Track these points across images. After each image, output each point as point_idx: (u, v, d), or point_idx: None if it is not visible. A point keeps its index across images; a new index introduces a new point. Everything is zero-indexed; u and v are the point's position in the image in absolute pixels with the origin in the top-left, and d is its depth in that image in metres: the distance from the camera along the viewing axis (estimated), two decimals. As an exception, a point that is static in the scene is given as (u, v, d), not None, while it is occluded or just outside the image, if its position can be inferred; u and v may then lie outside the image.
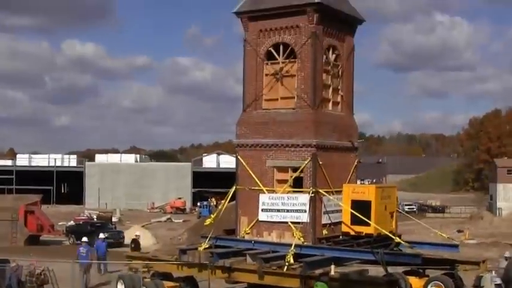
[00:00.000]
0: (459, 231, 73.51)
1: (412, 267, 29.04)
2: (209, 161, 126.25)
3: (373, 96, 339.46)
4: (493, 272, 29.04)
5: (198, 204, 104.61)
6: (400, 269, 29.18)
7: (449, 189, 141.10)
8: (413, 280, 29.04)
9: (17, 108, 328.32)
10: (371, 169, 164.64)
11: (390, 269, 28.60)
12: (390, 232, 27.66)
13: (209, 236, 28.65)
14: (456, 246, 29.80)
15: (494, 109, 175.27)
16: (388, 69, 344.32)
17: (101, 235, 40.60)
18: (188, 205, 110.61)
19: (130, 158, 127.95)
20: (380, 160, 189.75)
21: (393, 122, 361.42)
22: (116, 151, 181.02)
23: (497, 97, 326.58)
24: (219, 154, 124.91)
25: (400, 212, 34.91)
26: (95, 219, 75.27)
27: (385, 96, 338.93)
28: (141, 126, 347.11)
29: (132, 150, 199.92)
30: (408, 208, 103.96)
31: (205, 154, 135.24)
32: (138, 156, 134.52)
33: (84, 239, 37.53)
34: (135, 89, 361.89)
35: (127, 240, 57.71)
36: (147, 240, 58.69)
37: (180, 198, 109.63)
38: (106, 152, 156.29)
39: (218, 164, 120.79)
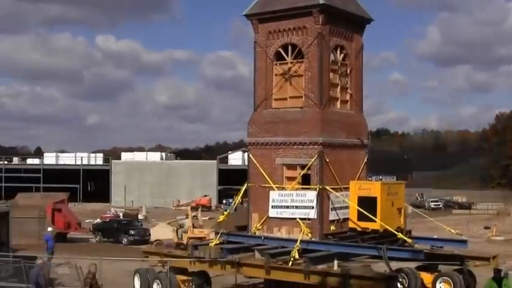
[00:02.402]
0: (486, 227, 73.46)
1: (423, 263, 29.76)
2: (235, 159, 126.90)
3: (414, 89, 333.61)
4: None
5: (224, 201, 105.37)
6: (413, 265, 29.96)
7: (475, 186, 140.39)
8: (425, 275, 29.77)
9: (48, 105, 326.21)
10: (396, 165, 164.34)
11: (403, 265, 29.45)
12: (398, 228, 28.30)
13: (220, 232, 29.64)
14: (465, 241, 30.33)
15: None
16: (433, 61, 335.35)
17: (49, 229, 39.97)
18: (214, 202, 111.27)
19: (155, 156, 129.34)
20: (405, 156, 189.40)
21: (429, 117, 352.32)
22: (141, 149, 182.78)
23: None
24: (244, 151, 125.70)
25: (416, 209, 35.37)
26: (121, 217, 75.90)
27: (426, 89, 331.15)
28: (173, 123, 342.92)
29: (158, 148, 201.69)
30: (434, 205, 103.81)
31: (231, 152, 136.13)
32: (163, 154, 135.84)
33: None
34: (173, 84, 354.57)
35: (153, 237, 58.78)
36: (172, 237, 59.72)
37: (205, 196, 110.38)
38: (132, 150, 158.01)
39: (244, 161, 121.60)
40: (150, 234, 60.29)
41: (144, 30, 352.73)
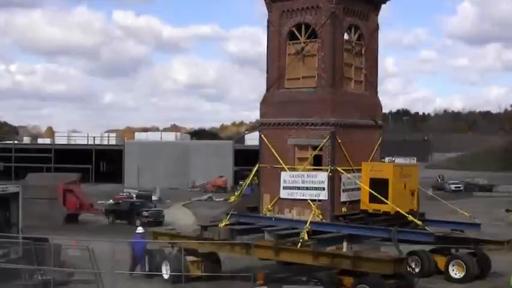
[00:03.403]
0: (507, 210, 73.17)
1: (437, 246, 30.26)
2: (251, 139, 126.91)
3: (443, 68, 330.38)
4: None
5: (240, 182, 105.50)
6: (428, 248, 30.46)
7: (497, 168, 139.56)
8: (438, 258, 30.33)
9: (63, 83, 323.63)
10: (416, 147, 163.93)
11: (418, 247, 29.96)
12: (410, 210, 28.78)
13: (230, 212, 30.23)
14: (478, 225, 30.74)
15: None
16: (465, 38, 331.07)
17: (139, 229, 34.46)
18: (230, 183, 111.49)
19: (170, 136, 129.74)
20: (425, 137, 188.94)
21: (455, 97, 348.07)
22: (155, 129, 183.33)
23: None
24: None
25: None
26: (135, 198, 75.99)
27: (456, 68, 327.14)
28: (192, 102, 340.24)
29: (173, 128, 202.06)
30: (455, 187, 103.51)
31: (247, 131, 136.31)
32: (178, 134, 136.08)
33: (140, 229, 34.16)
34: (193, 61, 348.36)
35: (167, 219, 59.20)
36: (187, 219, 60.14)
37: (221, 177, 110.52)
38: (146, 130, 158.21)
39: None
40: (164, 216, 60.55)
41: (165, 4, 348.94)
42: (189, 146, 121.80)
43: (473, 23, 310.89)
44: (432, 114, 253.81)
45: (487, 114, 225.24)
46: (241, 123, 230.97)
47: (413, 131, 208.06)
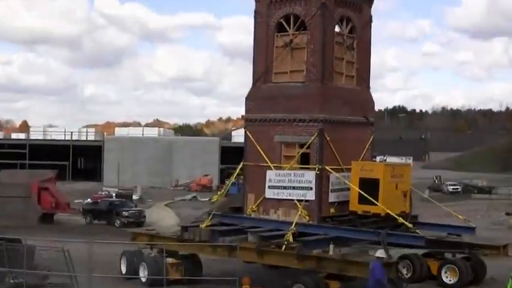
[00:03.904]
0: (507, 213, 73.59)
1: (430, 250, 30.48)
2: (239, 136, 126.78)
3: (447, 62, 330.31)
4: None
5: (226, 181, 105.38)
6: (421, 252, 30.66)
7: (497, 169, 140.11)
8: (431, 263, 30.54)
9: (41, 74, 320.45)
10: (413, 146, 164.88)
11: (411, 251, 30.16)
12: (402, 212, 28.95)
13: (212, 213, 30.36)
14: (472, 229, 30.97)
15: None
16: (470, 32, 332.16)
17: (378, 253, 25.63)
18: (215, 183, 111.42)
19: (153, 132, 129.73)
20: (423, 136, 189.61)
21: (456, 93, 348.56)
22: (137, 125, 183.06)
23: None
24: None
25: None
26: (114, 197, 75.83)
27: (459, 63, 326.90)
28: (178, 96, 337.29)
29: (156, 123, 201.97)
30: (453, 188, 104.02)
31: (234, 128, 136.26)
32: (161, 130, 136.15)
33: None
34: (181, 52, 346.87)
35: (149, 219, 59.27)
36: (170, 220, 60.12)
37: (206, 175, 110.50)
38: (127, 125, 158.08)
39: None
40: (145, 216, 60.59)
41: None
42: (172, 143, 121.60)
43: (480, 15, 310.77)
44: (430, 111, 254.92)
45: (487, 113, 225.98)
46: (229, 119, 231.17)
47: (411, 129, 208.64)
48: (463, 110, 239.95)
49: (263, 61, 31.06)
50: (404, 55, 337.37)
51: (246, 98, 31.61)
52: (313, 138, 28.73)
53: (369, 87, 32.39)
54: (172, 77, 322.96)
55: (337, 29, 31.04)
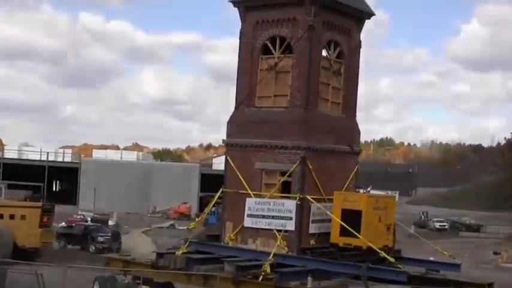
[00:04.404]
0: (495, 253, 73.91)
1: (413, 287, 30.20)
2: (220, 163, 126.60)
3: (441, 95, 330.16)
4: None
5: (205, 210, 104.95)
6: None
7: (486, 206, 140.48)
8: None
9: (19, 90, 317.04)
10: (400, 179, 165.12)
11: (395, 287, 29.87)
12: (385, 246, 28.73)
13: (188, 240, 30.05)
14: (458, 265, 30.76)
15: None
16: (468, 62, 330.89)
17: None
18: (194, 211, 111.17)
19: (131, 156, 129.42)
20: (410, 170, 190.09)
21: (449, 126, 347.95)
22: (115, 148, 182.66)
23: None
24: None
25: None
26: (89, 222, 75.60)
27: (455, 95, 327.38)
28: (161, 119, 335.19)
29: (135, 147, 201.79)
30: (439, 225, 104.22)
31: (216, 155, 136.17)
32: (140, 154, 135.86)
33: None
34: (167, 74, 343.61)
35: (124, 246, 58.76)
36: (146, 248, 59.69)
37: (185, 203, 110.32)
38: (105, 148, 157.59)
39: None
40: (121, 243, 60.20)
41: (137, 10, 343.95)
42: (151, 167, 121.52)
43: (479, 46, 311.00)
44: (418, 145, 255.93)
45: (477, 148, 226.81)
46: (210, 146, 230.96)
47: (397, 163, 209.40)
48: (452, 144, 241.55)
49: (247, 84, 30.88)
50: (400, 84, 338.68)
51: (228, 122, 31.40)
52: (294, 166, 28.49)
53: (355, 115, 32.24)
54: (156, 99, 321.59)
55: (324, 53, 30.93)
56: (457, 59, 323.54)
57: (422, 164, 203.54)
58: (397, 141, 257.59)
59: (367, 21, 32.38)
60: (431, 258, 33.62)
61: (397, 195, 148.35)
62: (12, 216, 49.38)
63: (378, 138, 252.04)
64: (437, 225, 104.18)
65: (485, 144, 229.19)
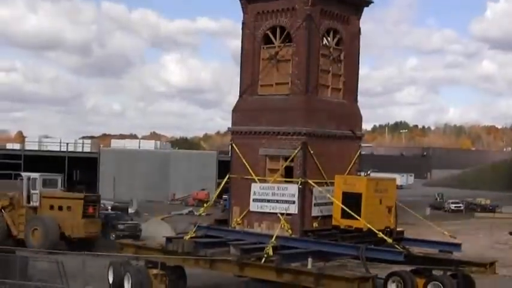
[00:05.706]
0: (511, 233, 73.85)
1: (417, 267, 30.77)
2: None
3: (468, 75, 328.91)
4: None
5: (224, 196, 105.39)
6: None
7: (501, 187, 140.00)
8: (418, 280, 30.80)
9: (43, 82, 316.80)
10: (414, 162, 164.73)
11: (399, 268, 30.44)
12: (386, 228, 29.29)
13: (196, 225, 30.84)
14: (458, 245, 31.24)
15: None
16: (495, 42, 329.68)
17: None
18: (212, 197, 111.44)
19: (149, 145, 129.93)
20: (425, 153, 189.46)
21: (470, 107, 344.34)
22: (134, 137, 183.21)
23: None
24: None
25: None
26: (110, 210, 75.90)
27: (481, 76, 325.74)
28: (185, 108, 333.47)
29: (153, 136, 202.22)
30: (455, 206, 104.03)
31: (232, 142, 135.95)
32: (158, 142, 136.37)
33: None
34: (190, 61, 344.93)
35: (145, 233, 59.44)
36: (166, 234, 60.28)
37: (203, 190, 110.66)
38: (123, 137, 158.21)
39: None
40: (141, 230, 60.79)
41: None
42: (169, 156, 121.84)
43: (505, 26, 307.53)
44: (432, 127, 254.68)
45: (491, 129, 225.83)
46: (227, 133, 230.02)
47: (412, 146, 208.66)
48: (466, 126, 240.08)
49: (249, 73, 31.64)
50: (427, 66, 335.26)
51: (232, 110, 32.15)
52: (296, 151, 29.19)
53: (356, 101, 32.81)
54: (180, 87, 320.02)
55: (325, 40, 31.55)
56: (483, 39, 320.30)
57: (437, 147, 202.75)
58: (412, 124, 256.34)
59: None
60: (433, 239, 33.98)
61: (412, 178, 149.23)
62: (60, 208, 50.61)
63: (397, 121, 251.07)
64: (452, 206, 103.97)
65: (498, 126, 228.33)
